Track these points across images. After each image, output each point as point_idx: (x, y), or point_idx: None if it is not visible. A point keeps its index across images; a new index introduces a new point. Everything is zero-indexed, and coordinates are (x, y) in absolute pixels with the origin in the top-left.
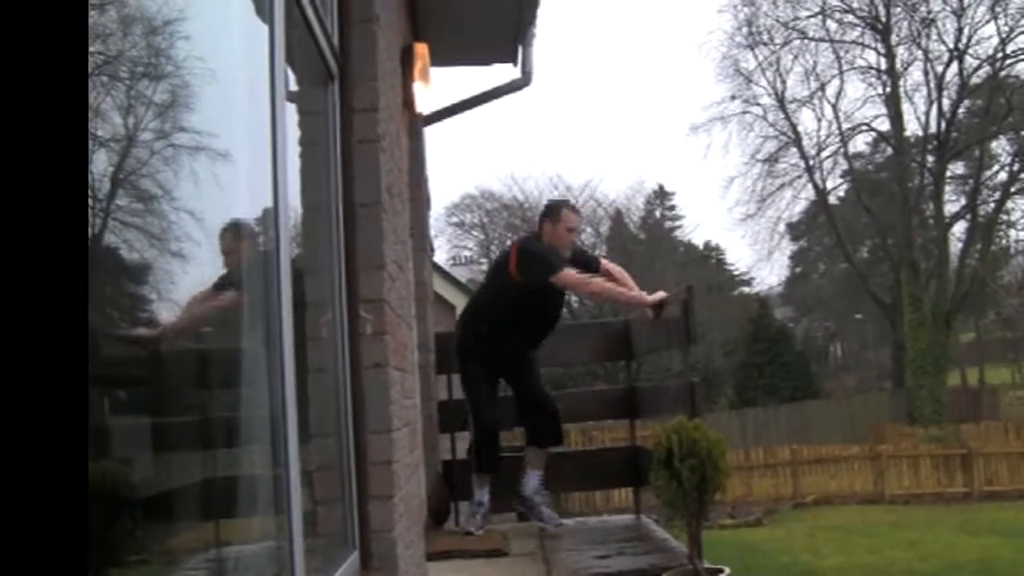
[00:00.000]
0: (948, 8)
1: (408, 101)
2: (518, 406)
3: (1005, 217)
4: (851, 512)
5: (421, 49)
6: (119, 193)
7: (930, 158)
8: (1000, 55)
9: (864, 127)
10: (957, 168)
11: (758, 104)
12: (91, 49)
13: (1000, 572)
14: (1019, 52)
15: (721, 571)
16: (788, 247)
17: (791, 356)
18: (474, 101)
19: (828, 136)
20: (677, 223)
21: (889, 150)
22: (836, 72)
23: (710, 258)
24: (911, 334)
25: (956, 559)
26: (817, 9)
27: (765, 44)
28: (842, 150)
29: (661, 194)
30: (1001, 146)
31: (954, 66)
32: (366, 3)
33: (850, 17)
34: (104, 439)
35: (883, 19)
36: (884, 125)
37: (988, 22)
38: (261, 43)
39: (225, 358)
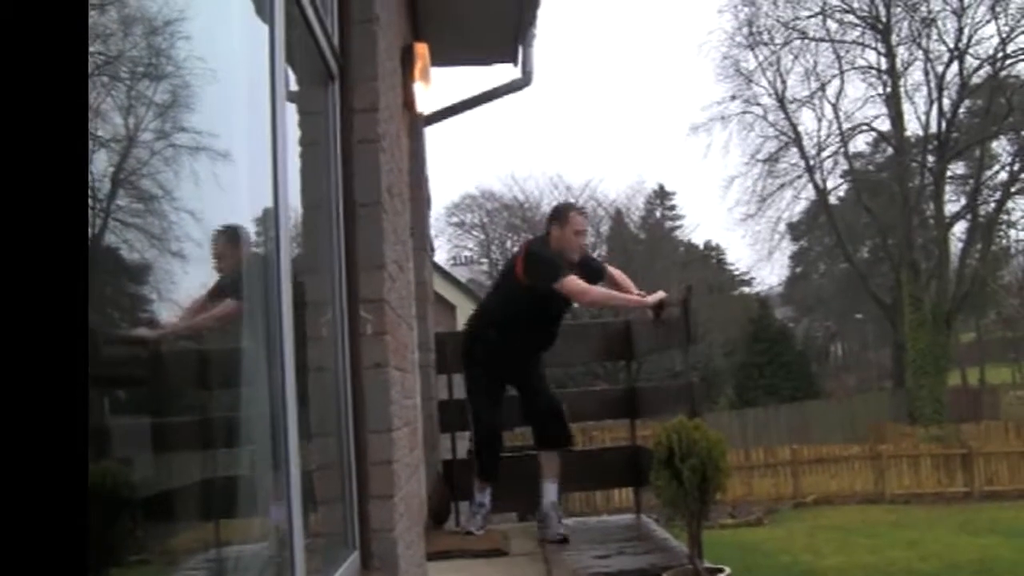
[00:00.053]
0: (948, 8)
1: (408, 101)
2: (523, 408)
3: (1005, 217)
4: (851, 512)
5: (421, 49)
6: (119, 193)
7: (930, 158)
8: (1000, 55)
9: (864, 127)
10: (957, 168)
11: (758, 104)
12: (91, 49)
13: (1000, 572)
14: (1019, 52)
15: (721, 571)
16: (788, 247)
17: (791, 356)
18: (474, 101)
19: (828, 136)
20: (677, 223)
21: (889, 150)
22: (836, 72)
23: (710, 258)
24: (911, 334)
25: (956, 559)
26: (817, 9)
27: (765, 44)
28: (842, 150)
29: (661, 194)
30: (1001, 146)
31: (954, 66)
32: (366, 3)
33: (850, 17)
34: (104, 439)
35: (883, 19)
36: (884, 125)
37: (988, 22)
38: (261, 43)
39: (225, 358)
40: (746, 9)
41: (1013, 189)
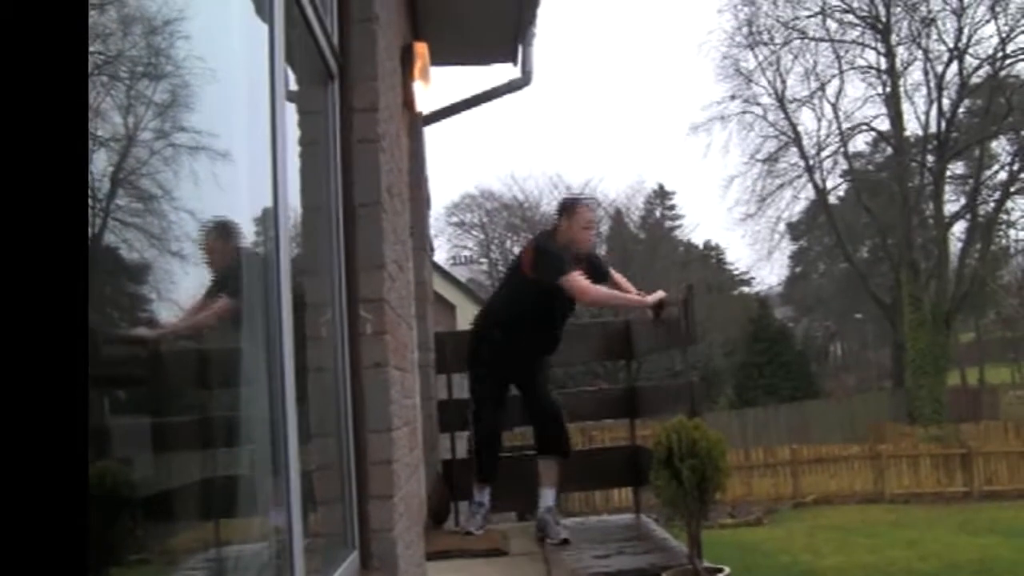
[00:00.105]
0: (948, 8)
1: (408, 101)
2: (525, 409)
3: (1005, 217)
4: (851, 512)
5: (421, 48)
6: (119, 193)
7: (930, 158)
8: (1000, 55)
9: (864, 127)
10: (957, 168)
11: (758, 104)
12: (91, 49)
13: (1000, 572)
14: (1019, 52)
15: (721, 571)
16: (788, 247)
17: (791, 356)
18: (474, 101)
19: (828, 136)
20: (677, 223)
21: (889, 150)
22: (836, 72)
23: (710, 258)
24: (911, 334)
25: (956, 559)
26: (817, 9)
27: (765, 44)
28: (842, 150)
29: (661, 194)
30: (1001, 146)
31: (954, 66)
32: (366, 2)
33: (850, 17)
34: (104, 439)
35: (883, 19)
36: (884, 125)
37: (988, 22)
38: (261, 43)
39: (225, 358)
40: (746, 9)
41: (1012, 189)
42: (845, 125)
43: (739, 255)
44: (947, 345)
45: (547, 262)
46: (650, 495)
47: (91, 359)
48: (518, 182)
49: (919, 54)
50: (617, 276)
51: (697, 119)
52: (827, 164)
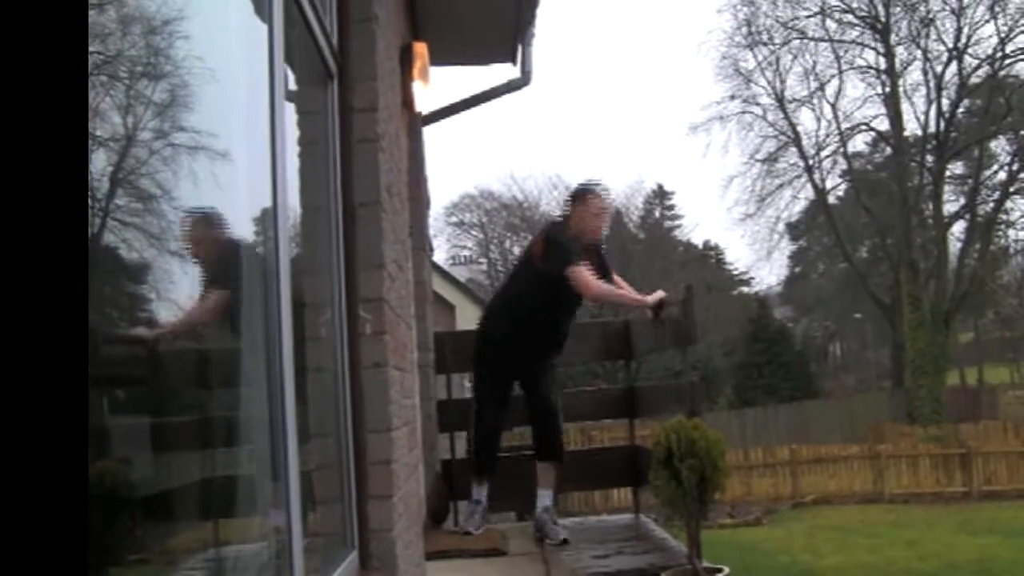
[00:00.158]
0: (948, 8)
1: (407, 101)
2: (526, 409)
3: (1004, 217)
4: (850, 512)
5: (420, 48)
6: (119, 193)
7: (929, 158)
8: (999, 55)
9: (863, 127)
10: (956, 168)
11: (757, 104)
12: (91, 49)
13: (999, 572)
14: (1018, 52)
15: (720, 571)
16: (787, 247)
17: (790, 356)
18: (474, 101)
19: (827, 136)
20: (676, 223)
21: (888, 150)
22: (835, 72)
23: (709, 258)
24: (910, 334)
25: (955, 558)
26: (817, 9)
27: (764, 44)
28: (841, 150)
29: (660, 194)
30: (1000, 146)
31: (953, 66)
32: (365, 2)
33: (850, 17)
34: (104, 439)
35: (883, 19)
36: (883, 125)
37: (987, 22)
38: (260, 43)
39: (225, 358)
40: (745, 9)
41: (1012, 189)
42: (844, 125)
43: (738, 255)
44: (946, 345)
45: (556, 253)
46: (649, 495)
47: (91, 359)
48: (517, 182)
49: (918, 54)
50: (616, 278)
51: (696, 119)
52: (826, 164)
